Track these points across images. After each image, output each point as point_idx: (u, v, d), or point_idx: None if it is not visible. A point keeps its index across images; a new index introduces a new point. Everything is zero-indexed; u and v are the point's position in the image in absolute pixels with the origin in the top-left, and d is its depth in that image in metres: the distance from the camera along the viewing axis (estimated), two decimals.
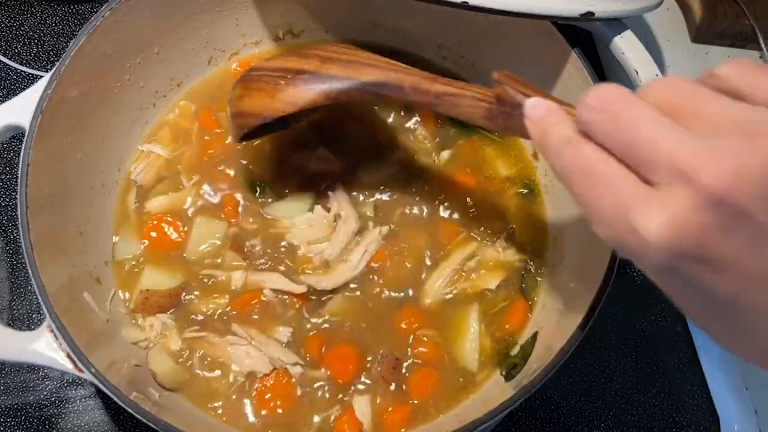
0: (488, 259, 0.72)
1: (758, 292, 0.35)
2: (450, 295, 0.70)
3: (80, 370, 0.54)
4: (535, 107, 0.43)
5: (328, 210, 0.72)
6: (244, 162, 0.75)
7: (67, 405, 0.72)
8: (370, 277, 0.70)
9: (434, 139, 0.78)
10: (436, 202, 0.74)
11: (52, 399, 0.73)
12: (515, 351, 0.68)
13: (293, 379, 0.66)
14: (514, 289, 0.71)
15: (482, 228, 0.73)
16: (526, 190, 0.76)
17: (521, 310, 0.70)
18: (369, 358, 0.67)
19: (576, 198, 0.38)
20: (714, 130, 0.34)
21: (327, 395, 0.66)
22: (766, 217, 0.33)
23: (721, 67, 0.37)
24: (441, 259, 0.71)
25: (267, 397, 0.66)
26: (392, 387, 0.66)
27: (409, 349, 0.68)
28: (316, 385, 0.66)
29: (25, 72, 0.88)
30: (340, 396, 0.66)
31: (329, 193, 0.73)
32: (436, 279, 0.70)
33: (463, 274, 0.71)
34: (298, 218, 0.72)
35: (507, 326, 0.69)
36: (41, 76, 0.64)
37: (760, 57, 0.94)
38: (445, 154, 0.77)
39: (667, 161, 0.34)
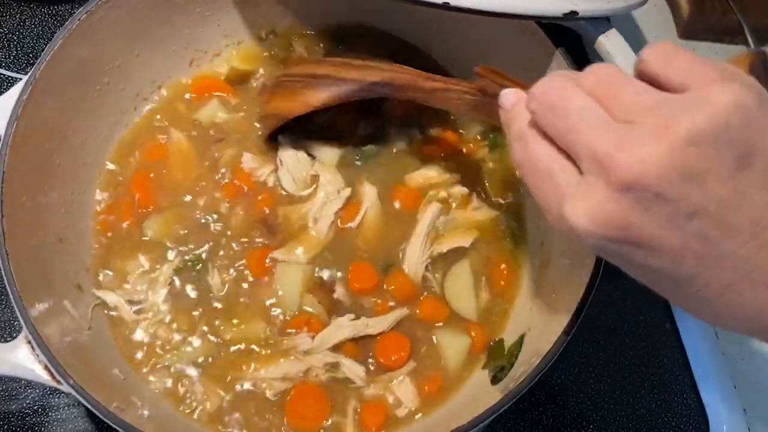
0: (460, 220, 0.72)
1: (688, 264, 0.36)
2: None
3: (58, 382, 0.53)
4: (506, 96, 0.44)
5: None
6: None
7: (50, 413, 0.71)
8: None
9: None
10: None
11: (35, 407, 0.72)
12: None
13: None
14: (497, 249, 0.72)
15: (452, 188, 0.74)
16: (492, 145, 0.76)
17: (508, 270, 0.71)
18: None
19: (529, 189, 0.41)
20: (631, 117, 0.36)
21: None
22: (676, 196, 0.34)
23: (644, 50, 0.39)
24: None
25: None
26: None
27: None
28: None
29: (4, 75, 0.86)
30: None
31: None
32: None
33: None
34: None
35: (502, 283, 0.71)
36: (20, 79, 0.62)
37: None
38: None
39: (588, 151, 0.36)
